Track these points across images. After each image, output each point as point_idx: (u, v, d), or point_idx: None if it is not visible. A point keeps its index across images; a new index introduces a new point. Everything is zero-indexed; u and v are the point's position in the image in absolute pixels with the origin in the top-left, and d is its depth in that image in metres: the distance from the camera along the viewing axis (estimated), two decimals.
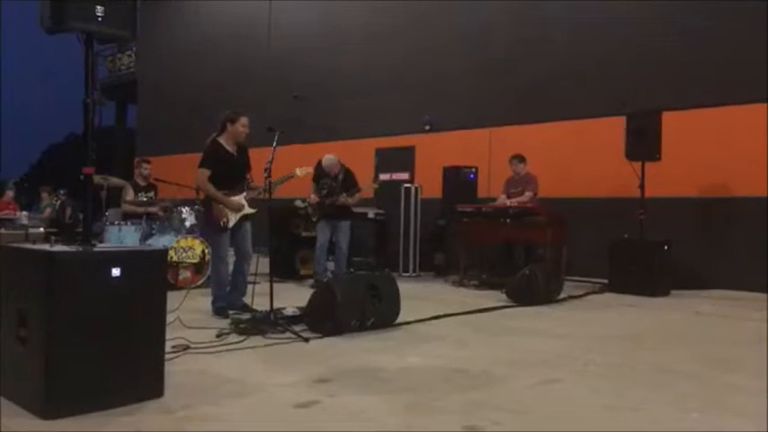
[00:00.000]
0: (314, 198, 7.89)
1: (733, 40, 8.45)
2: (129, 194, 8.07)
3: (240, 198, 5.72)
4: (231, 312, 5.54)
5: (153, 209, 7.97)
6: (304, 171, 6.25)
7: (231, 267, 5.87)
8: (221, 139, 5.71)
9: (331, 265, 8.07)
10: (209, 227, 5.94)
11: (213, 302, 5.71)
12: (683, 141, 8.50)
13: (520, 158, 8.63)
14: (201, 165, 5.65)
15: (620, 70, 9.36)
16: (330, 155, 8.04)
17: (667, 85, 8.88)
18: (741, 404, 3.42)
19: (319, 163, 7.91)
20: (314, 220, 8.05)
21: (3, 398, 3.12)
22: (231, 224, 5.68)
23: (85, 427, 2.81)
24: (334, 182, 7.83)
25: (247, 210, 5.77)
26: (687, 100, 8.68)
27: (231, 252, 5.86)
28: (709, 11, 8.62)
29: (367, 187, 8.39)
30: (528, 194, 8.37)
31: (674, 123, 8.24)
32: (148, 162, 8.55)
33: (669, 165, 8.17)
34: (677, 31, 8.87)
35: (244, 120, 5.67)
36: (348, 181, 7.92)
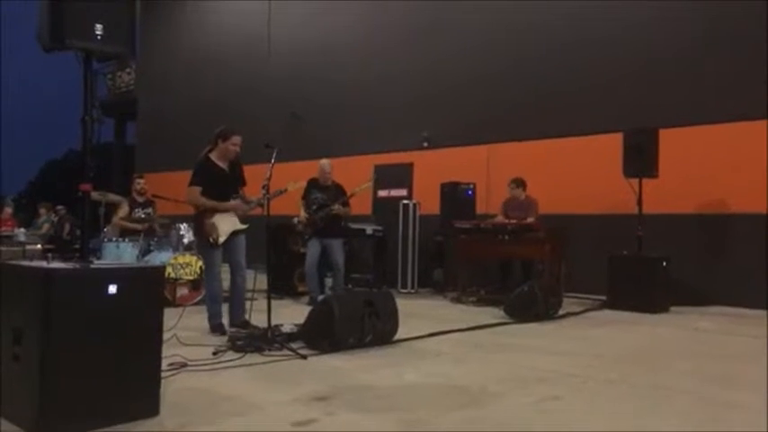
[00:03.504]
0: (303, 215, 7.77)
1: (729, 58, 8.50)
2: (123, 211, 8.03)
3: (232, 213, 5.68)
4: (231, 329, 5.49)
5: (146, 225, 7.93)
6: (296, 185, 6.22)
7: (227, 283, 5.83)
8: (212, 155, 5.67)
9: (330, 282, 8.01)
10: (200, 244, 5.90)
11: (209, 319, 5.67)
12: (681, 158, 8.53)
13: (518, 183, 8.63)
14: (191, 182, 5.59)
15: (617, 87, 9.41)
16: (325, 160, 7.97)
17: (664, 103, 8.93)
18: (740, 421, 3.40)
19: (309, 182, 7.78)
20: (306, 237, 7.96)
21: (3, 419, 3.08)
22: (221, 240, 5.62)
23: None
24: (324, 196, 7.75)
25: (238, 225, 5.73)
26: (684, 117, 8.72)
27: (226, 267, 5.82)
28: (705, 27, 8.70)
29: (361, 190, 8.25)
30: (530, 221, 8.28)
31: (671, 140, 8.29)
32: (142, 177, 8.56)
33: (667, 181, 8.20)
34: (674, 49, 8.93)
35: (236, 138, 5.59)
36: (339, 194, 7.79)
